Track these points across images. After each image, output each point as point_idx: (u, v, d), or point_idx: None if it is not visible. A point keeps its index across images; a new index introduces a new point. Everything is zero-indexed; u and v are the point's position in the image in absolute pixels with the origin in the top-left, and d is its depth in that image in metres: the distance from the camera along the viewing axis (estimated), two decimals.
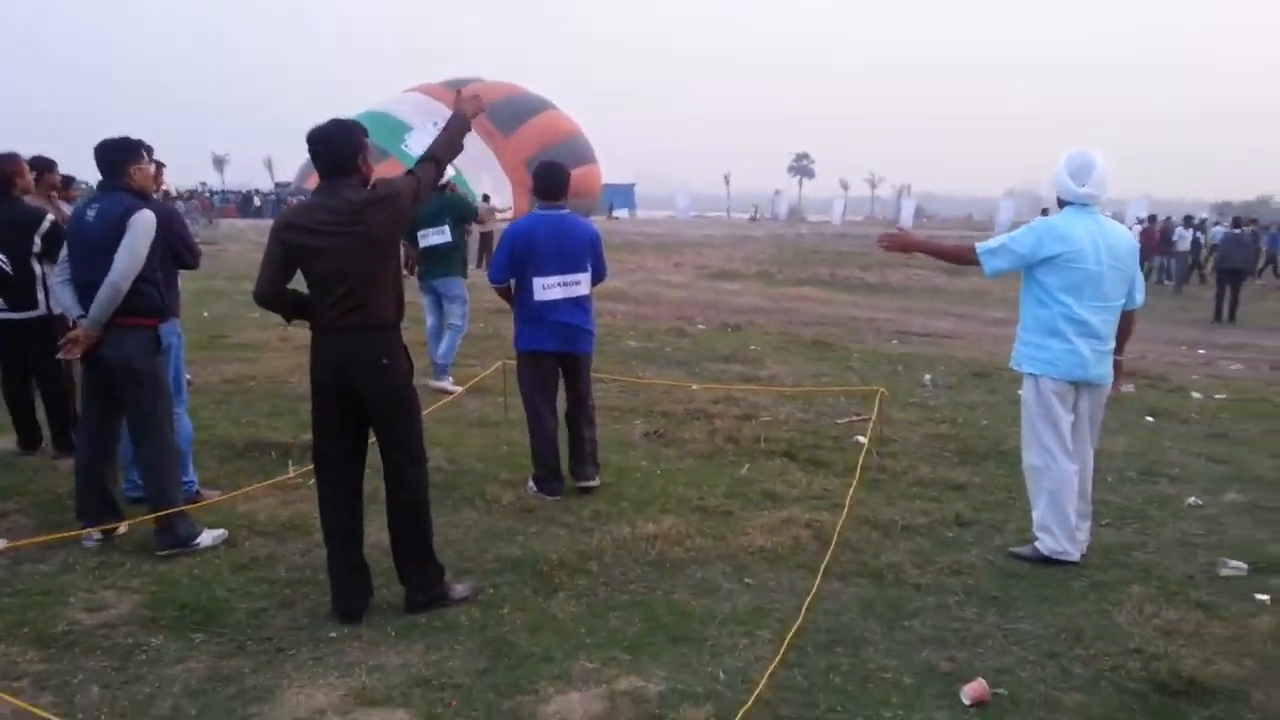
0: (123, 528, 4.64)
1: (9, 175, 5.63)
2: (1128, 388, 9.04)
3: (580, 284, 5.38)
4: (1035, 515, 4.55)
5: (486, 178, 40.26)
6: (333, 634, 3.69)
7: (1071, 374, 4.43)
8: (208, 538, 4.54)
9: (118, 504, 4.67)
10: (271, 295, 3.83)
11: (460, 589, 3.99)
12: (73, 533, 4.47)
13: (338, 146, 3.74)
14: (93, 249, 4.36)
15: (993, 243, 4.59)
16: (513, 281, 5.46)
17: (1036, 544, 4.51)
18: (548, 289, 5.30)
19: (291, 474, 5.53)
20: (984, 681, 3.25)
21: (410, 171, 3.90)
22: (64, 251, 4.57)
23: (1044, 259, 4.39)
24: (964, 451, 6.54)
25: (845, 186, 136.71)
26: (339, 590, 3.84)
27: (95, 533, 4.52)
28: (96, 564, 4.34)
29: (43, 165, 6.16)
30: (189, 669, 3.43)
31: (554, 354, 5.42)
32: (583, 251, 5.40)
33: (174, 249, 4.94)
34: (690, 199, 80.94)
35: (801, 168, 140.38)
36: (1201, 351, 13.10)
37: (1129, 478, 6.04)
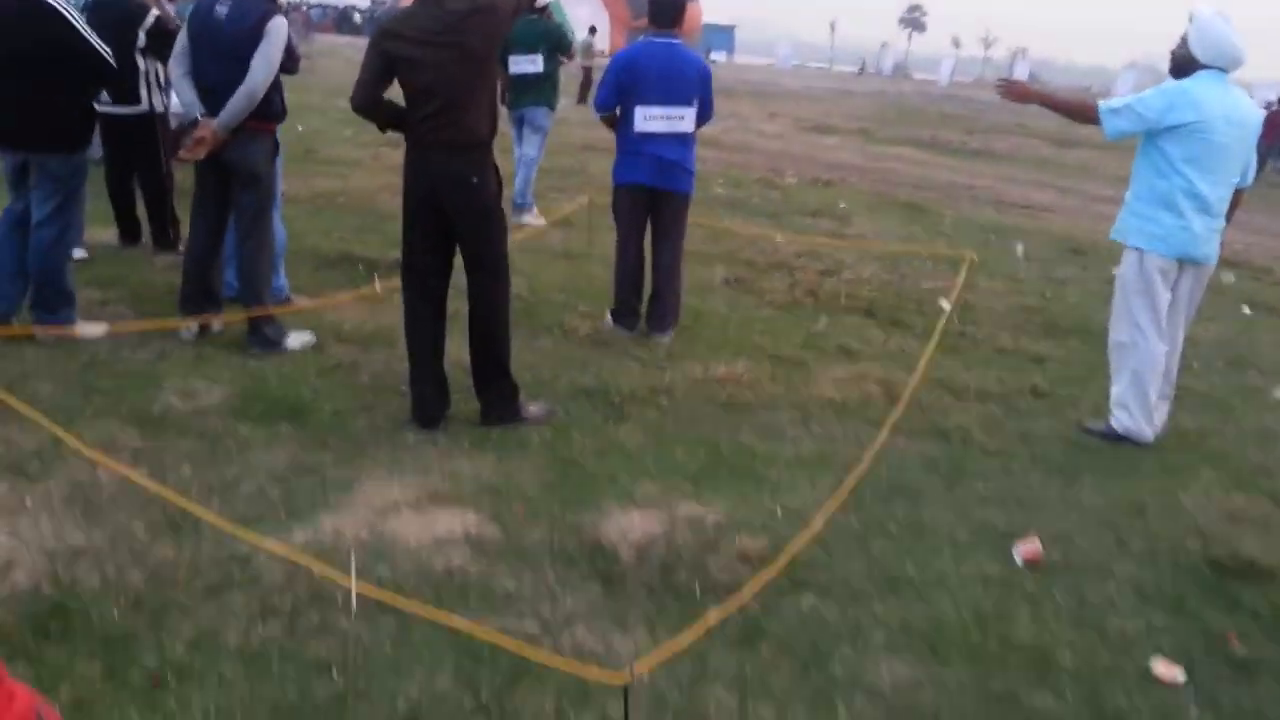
0: (218, 323, 4.84)
1: None
2: (1228, 277, 8.68)
3: (685, 119, 5.23)
4: (1114, 391, 4.44)
5: (585, 10, 39.08)
6: (410, 439, 3.86)
7: (1182, 250, 4.23)
8: (295, 341, 4.72)
9: (219, 299, 4.85)
10: (369, 104, 3.84)
11: (534, 409, 4.12)
12: (173, 322, 4.69)
13: None
14: (224, 51, 4.36)
15: (1116, 102, 4.30)
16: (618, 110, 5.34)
17: (1112, 420, 4.43)
18: (650, 119, 5.17)
19: (377, 287, 5.67)
20: (1038, 541, 3.29)
21: None
22: (182, 45, 4.53)
23: (1171, 126, 4.12)
24: (1049, 325, 6.40)
25: (957, 44, 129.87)
26: (419, 398, 4.00)
27: (193, 325, 4.73)
28: (191, 355, 4.56)
29: None
30: (274, 457, 3.64)
31: (649, 189, 5.31)
32: (690, 85, 5.23)
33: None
34: (793, 47, 77.81)
35: (913, 20, 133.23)
36: None
37: (1217, 366, 5.87)
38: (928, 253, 8.34)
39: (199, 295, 4.75)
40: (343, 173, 9.78)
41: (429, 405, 3.99)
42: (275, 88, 4.52)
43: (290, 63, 4.95)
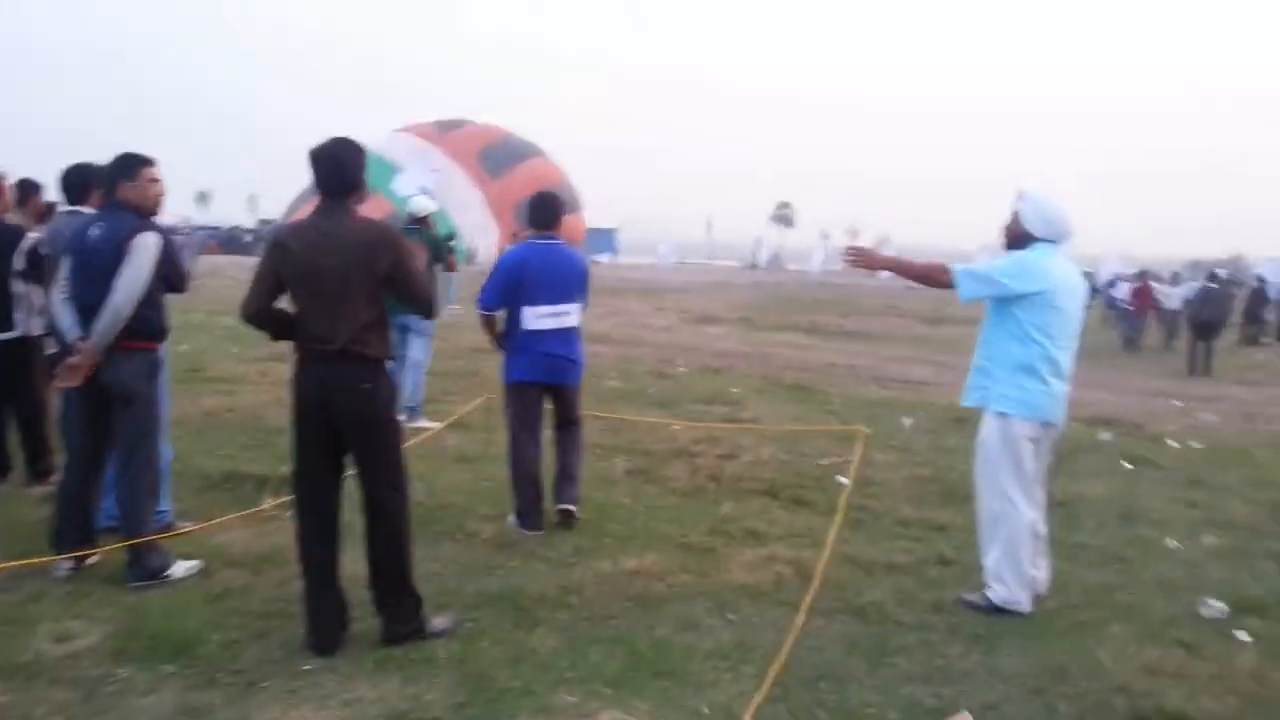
0: (95, 557, 4.52)
1: None
2: (1105, 435, 9.10)
3: (570, 314, 5.38)
4: (988, 563, 4.39)
5: (474, 219, 40.47)
6: (307, 666, 3.62)
7: (1046, 414, 4.34)
8: (180, 569, 4.45)
9: (94, 532, 4.56)
10: (258, 313, 3.80)
11: (439, 622, 3.93)
12: (44, 559, 4.37)
13: (343, 165, 3.75)
14: (96, 270, 4.28)
15: (974, 267, 4.45)
16: (500, 313, 5.44)
17: (988, 592, 4.35)
18: (539, 318, 5.28)
19: (268, 506, 5.45)
20: (969, 716, 3.22)
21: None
22: (64, 269, 4.46)
23: (1021, 294, 4.28)
24: (946, 494, 6.53)
25: (826, 236, 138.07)
26: (314, 621, 3.77)
27: (67, 561, 4.41)
28: (65, 593, 4.24)
29: (29, 188, 6.13)
30: (158, 701, 3.36)
31: (542, 385, 5.39)
32: (574, 282, 5.42)
33: (166, 273, 4.86)
34: (672, 245, 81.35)
35: (782, 216, 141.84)
36: (1177, 403, 13.20)
37: (1108, 521, 6.06)
38: (821, 430, 8.53)
39: (73, 529, 4.46)
40: (229, 389, 9.56)
41: (326, 628, 3.76)
42: (152, 305, 4.41)
43: (178, 281, 4.87)
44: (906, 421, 9.36)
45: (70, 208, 5.08)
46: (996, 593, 4.33)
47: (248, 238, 49.86)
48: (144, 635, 3.82)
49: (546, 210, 5.48)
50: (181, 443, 6.96)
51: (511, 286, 5.32)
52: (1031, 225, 4.43)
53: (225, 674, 3.55)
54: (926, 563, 5.00)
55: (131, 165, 4.49)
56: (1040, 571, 4.47)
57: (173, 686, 3.45)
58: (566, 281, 5.38)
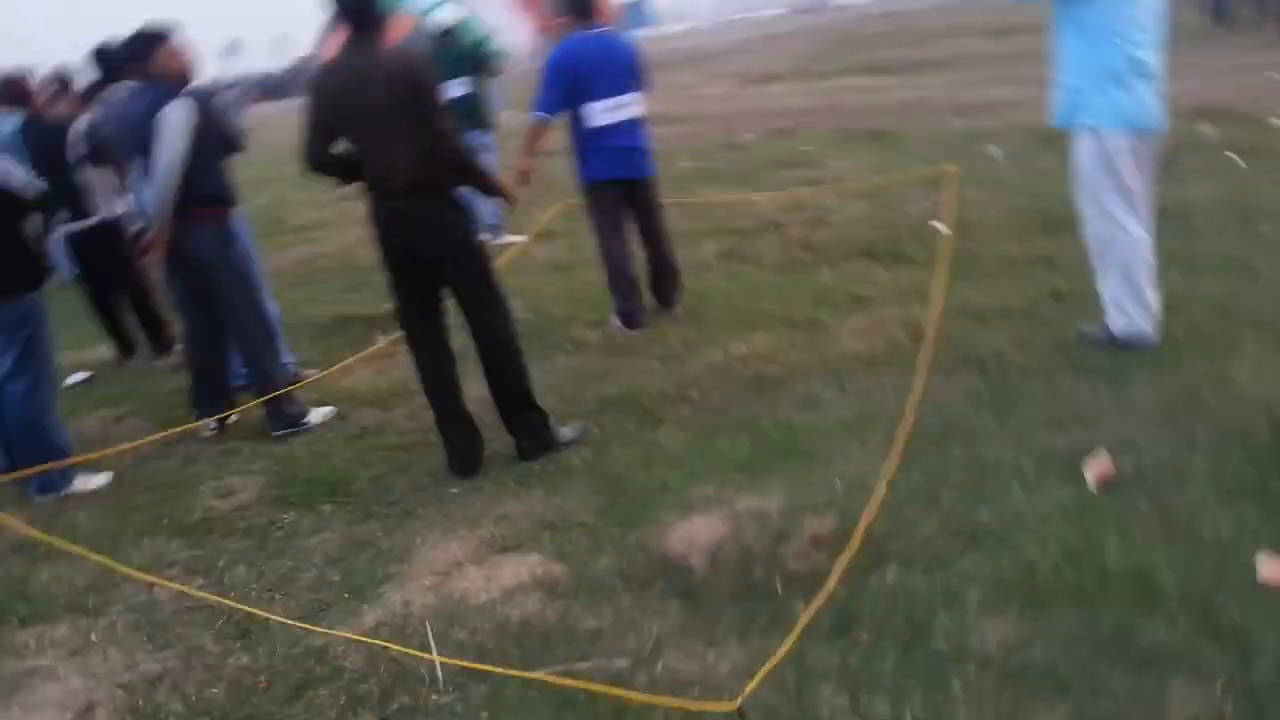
0: (234, 415, 4.76)
1: (20, 95, 5.58)
2: (1206, 128, 8.54)
3: (633, 104, 5.22)
4: (1104, 292, 4.17)
5: (499, 17, 39.06)
6: (454, 490, 3.81)
7: (1141, 121, 3.94)
8: (317, 415, 4.65)
9: (230, 390, 4.78)
10: (318, 160, 3.77)
11: (567, 431, 4.05)
12: (190, 425, 4.62)
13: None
14: (145, 146, 4.30)
15: None
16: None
17: (1109, 323, 4.16)
18: (604, 113, 5.12)
19: (382, 343, 5.60)
20: (1107, 456, 3.22)
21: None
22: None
23: None
24: (1048, 222, 6.23)
25: None
26: (452, 448, 3.93)
27: (211, 423, 4.65)
28: (217, 453, 4.51)
29: (63, 80, 6.06)
30: (325, 539, 3.59)
31: (620, 181, 5.29)
32: (632, 70, 5.23)
33: (216, 136, 4.72)
34: (711, 2, 76.98)
35: None
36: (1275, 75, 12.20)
37: (1225, 224, 5.75)
38: (907, 178, 8.25)
39: (209, 393, 4.70)
40: (314, 236, 9.68)
41: (464, 454, 3.93)
42: (209, 171, 4.41)
43: (232, 141, 4.79)
44: (994, 151, 8.97)
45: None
46: (1117, 323, 4.14)
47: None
48: (299, 481, 4.07)
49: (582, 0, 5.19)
50: (284, 294, 7.12)
51: (570, 85, 5.13)
52: None
53: (380, 506, 3.77)
54: (1039, 300, 4.88)
55: (147, 44, 4.39)
56: (1154, 302, 4.18)
57: (335, 524, 3.69)
58: (623, 70, 5.19)
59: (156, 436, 4.54)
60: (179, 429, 4.57)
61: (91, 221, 5.68)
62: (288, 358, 5.23)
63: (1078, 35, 3.99)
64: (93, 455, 4.32)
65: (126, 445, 4.49)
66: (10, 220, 4.13)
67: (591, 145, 5.20)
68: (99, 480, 4.32)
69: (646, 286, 5.52)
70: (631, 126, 5.22)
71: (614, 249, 5.37)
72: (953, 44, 23.03)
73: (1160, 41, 4.03)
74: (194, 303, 4.64)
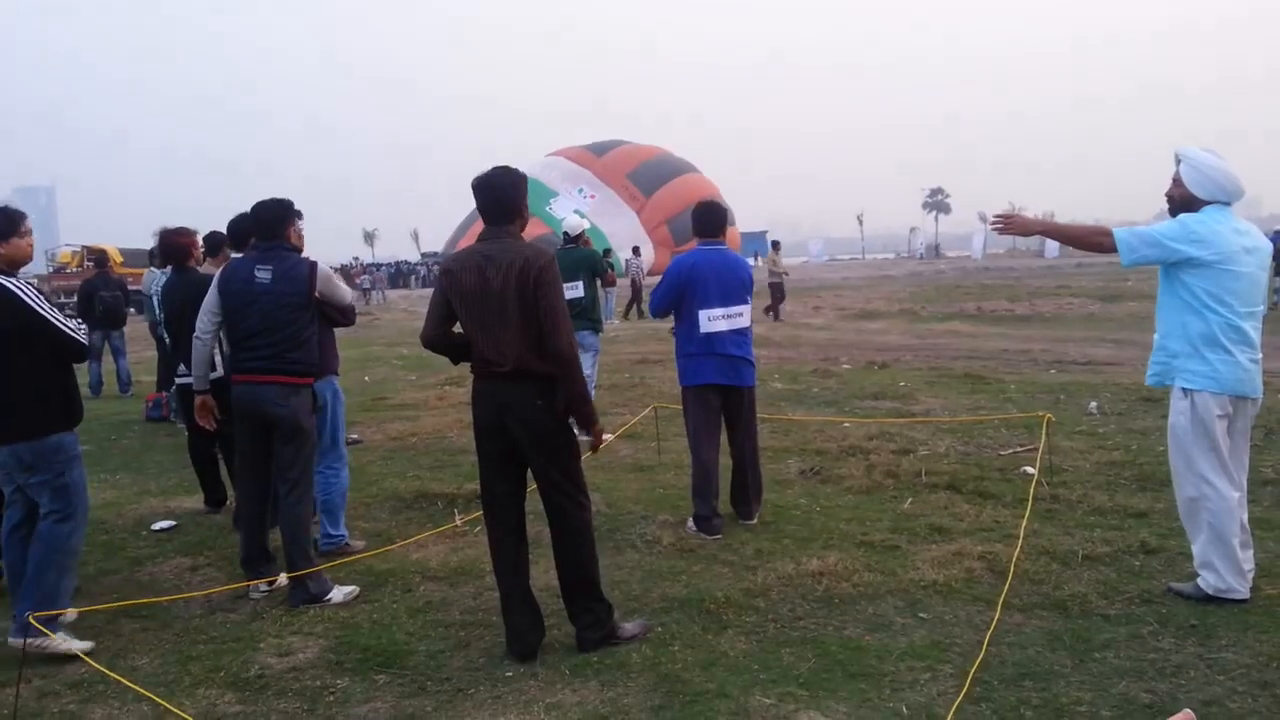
0: (282, 578, 4.77)
1: (185, 248, 6.06)
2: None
3: (743, 315, 5.53)
4: (1196, 550, 4.15)
5: (627, 235, 41.60)
6: (509, 673, 3.75)
7: (1235, 387, 4.04)
8: (339, 594, 4.63)
9: (273, 556, 4.83)
10: (436, 338, 3.97)
11: (630, 627, 4.01)
12: (242, 583, 4.72)
13: (504, 193, 3.87)
14: (272, 310, 4.56)
15: (1137, 229, 4.21)
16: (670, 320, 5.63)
17: (1199, 582, 4.12)
18: (713, 320, 5.44)
19: (459, 522, 5.70)
20: (1191, 713, 3.03)
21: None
22: (214, 312, 4.71)
23: (1190, 259, 4.03)
24: (1142, 478, 6.18)
25: (984, 219, 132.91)
26: (513, 630, 3.91)
27: (262, 584, 4.72)
28: (282, 611, 4.55)
29: (218, 239, 6.62)
30: (374, 709, 3.55)
31: (719, 388, 5.51)
32: (743, 285, 5.57)
33: (326, 311, 5.01)
34: (824, 243, 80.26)
35: (937, 203, 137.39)
36: None
37: None
38: (1001, 417, 8.22)
39: (258, 554, 4.76)
40: (412, 415, 10.05)
41: (524, 636, 3.90)
42: (311, 342, 4.66)
43: (343, 317, 5.10)
44: (1092, 405, 8.91)
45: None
46: (1208, 581, 4.09)
47: (421, 270, 51.43)
48: (357, 648, 4.07)
49: (711, 217, 5.65)
50: (373, 467, 7.40)
51: (681, 291, 5.49)
52: (1195, 186, 4.16)
53: (434, 682, 3.73)
54: (1128, 552, 4.74)
55: (292, 208, 4.79)
56: (1246, 564, 4.11)
57: (387, 695, 3.65)
58: (737, 284, 5.53)
59: (219, 589, 4.63)
60: (233, 585, 4.66)
61: (214, 375, 5.98)
62: (341, 530, 5.33)
63: (1178, 301, 4.15)
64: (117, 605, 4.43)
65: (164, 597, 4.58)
66: (56, 362, 4.24)
67: (698, 349, 5.49)
68: (81, 646, 4.09)
69: (729, 495, 5.57)
70: (739, 336, 5.51)
71: (703, 452, 5.50)
72: (1058, 303, 23.35)
73: (1260, 314, 4.16)
74: (258, 461, 4.71)
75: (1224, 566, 4.05)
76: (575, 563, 3.94)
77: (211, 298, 4.73)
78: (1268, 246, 4.26)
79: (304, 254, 4.81)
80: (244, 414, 4.67)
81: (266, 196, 4.86)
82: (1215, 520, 4.06)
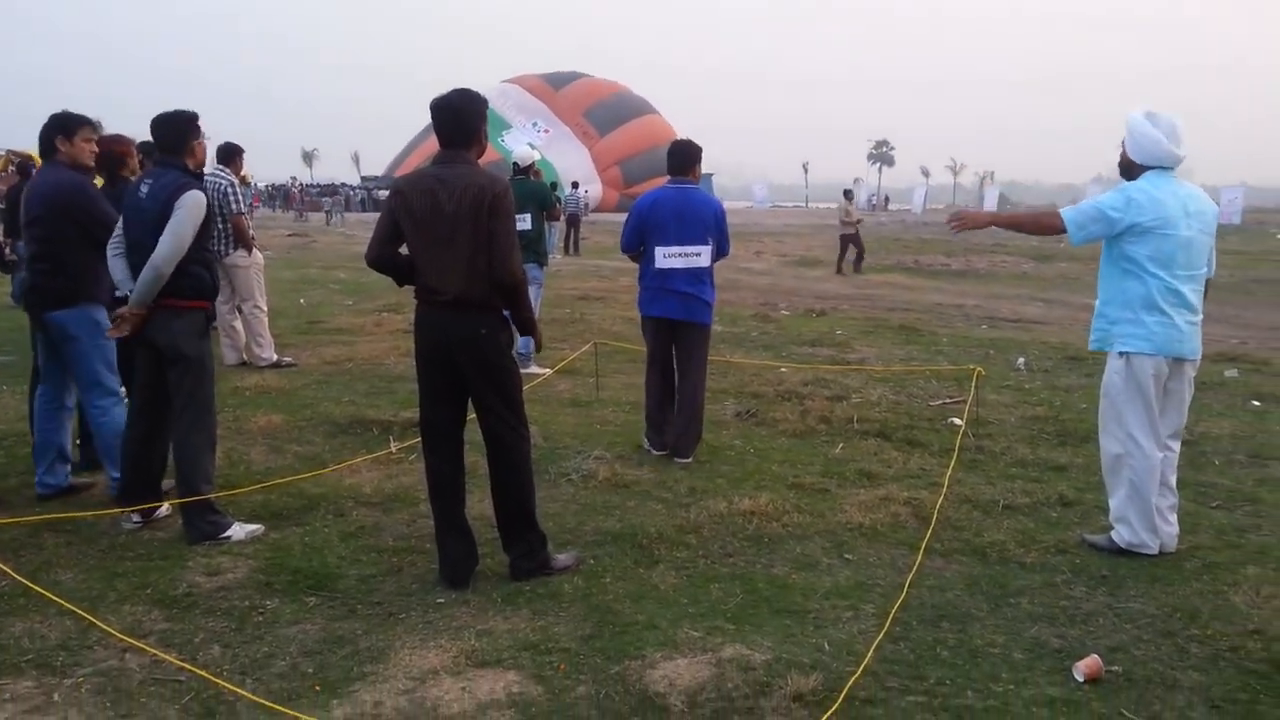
0: (165, 509, 4.63)
1: (119, 156, 5.80)
2: (1230, 372, 8.73)
3: (700, 255, 5.65)
4: (1112, 504, 4.31)
5: (579, 172, 41.21)
6: (440, 600, 3.78)
7: (1170, 348, 4.13)
8: (240, 532, 4.42)
9: (159, 485, 4.62)
10: (381, 259, 3.87)
11: (562, 558, 4.06)
12: (114, 511, 4.58)
13: (463, 116, 3.78)
14: (144, 227, 4.31)
15: (1080, 205, 4.29)
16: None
17: (1113, 535, 4.28)
18: (668, 257, 5.61)
19: (394, 449, 5.67)
20: (1098, 658, 3.19)
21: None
22: (120, 224, 4.48)
23: (1131, 226, 4.10)
24: (1064, 434, 6.40)
25: (926, 174, 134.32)
26: (446, 557, 3.93)
27: (135, 515, 4.54)
28: None
29: (148, 149, 6.37)
30: (304, 630, 3.55)
31: (670, 321, 5.71)
32: (704, 225, 5.67)
33: (93, 231, 4.71)
34: (768, 189, 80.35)
35: (881, 155, 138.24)
36: None
37: (1237, 460, 5.85)
38: (935, 370, 8.41)
39: (138, 483, 4.51)
40: (348, 340, 9.90)
41: (457, 564, 3.92)
42: (201, 263, 4.41)
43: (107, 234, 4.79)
44: (1019, 361, 9.14)
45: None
46: (1121, 535, 4.25)
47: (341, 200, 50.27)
48: (287, 570, 4.05)
49: (682, 156, 5.76)
50: (308, 390, 7.32)
51: (644, 227, 5.67)
52: (1133, 153, 4.24)
53: (365, 605, 3.74)
54: (1046, 504, 4.92)
55: (193, 122, 4.50)
56: (1166, 523, 4.26)
57: (317, 617, 3.65)
58: (697, 224, 5.63)
59: (84, 514, 4.54)
60: (100, 513, 4.55)
61: None
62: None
63: (1118, 269, 4.23)
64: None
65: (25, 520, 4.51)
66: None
67: (653, 283, 5.68)
68: None
69: (672, 427, 5.81)
70: (692, 275, 5.64)
71: (652, 373, 5.87)
72: (993, 260, 23.76)
73: (1200, 277, 4.23)
74: (146, 388, 4.48)
75: (1139, 522, 4.20)
76: (512, 493, 3.96)
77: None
78: (1214, 210, 4.30)
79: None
80: (136, 338, 4.41)
81: (188, 107, 4.56)
82: (1136, 478, 4.20)
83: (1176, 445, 4.38)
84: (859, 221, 21.36)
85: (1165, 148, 4.16)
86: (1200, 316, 4.26)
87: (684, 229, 5.59)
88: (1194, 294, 4.21)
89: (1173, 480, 4.34)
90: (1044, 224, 4.46)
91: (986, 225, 4.77)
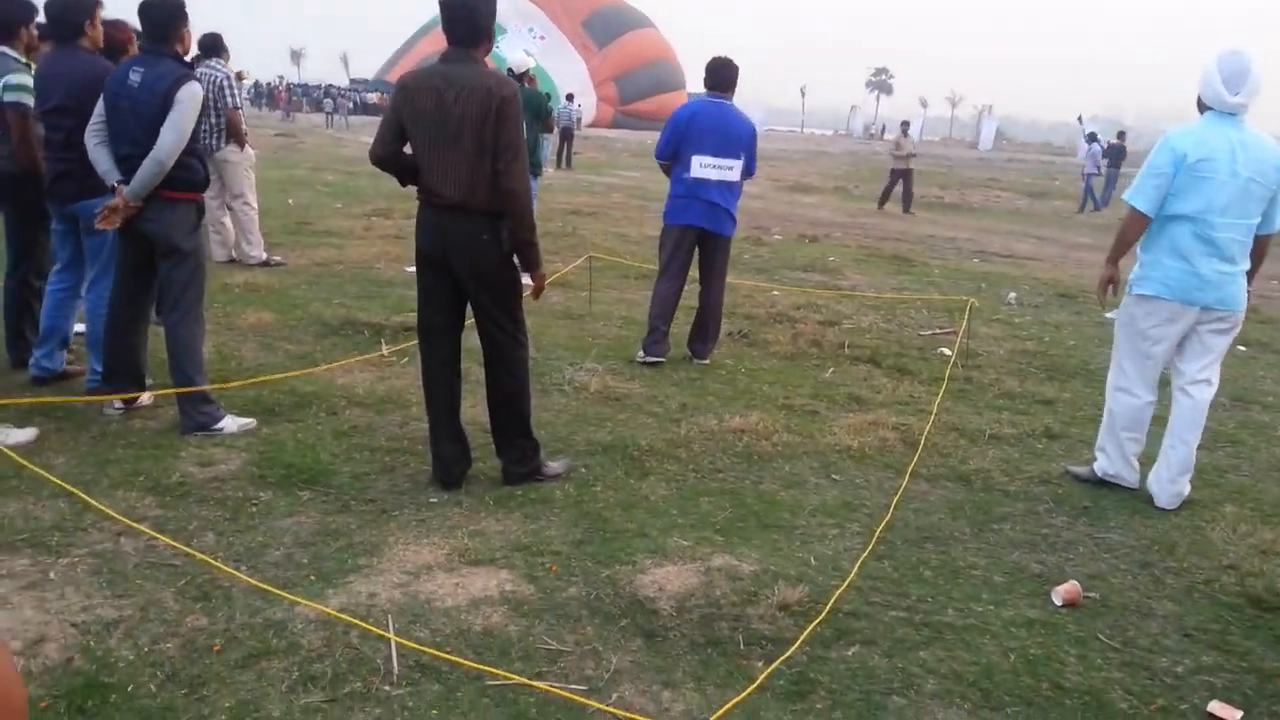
0: (145, 398, 4.63)
1: (121, 44, 5.66)
2: None
3: (733, 169, 5.79)
4: (1100, 431, 4.40)
5: (575, 84, 40.47)
6: (433, 499, 3.82)
7: (1185, 296, 3.97)
8: (232, 425, 4.44)
9: (142, 374, 4.63)
10: (385, 157, 3.79)
11: (555, 465, 4.09)
12: (99, 397, 4.57)
13: (476, 12, 3.65)
14: (138, 118, 4.17)
15: (1136, 180, 4.06)
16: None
17: (1095, 465, 4.38)
18: (704, 167, 5.73)
19: (386, 352, 5.66)
20: (1076, 584, 3.27)
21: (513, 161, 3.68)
22: (98, 113, 4.30)
23: (1178, 167, 3.91)
24: (1051, 368, 6.46)
25: (924, 105, 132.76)
26: (440, 458, 3.96)
27: (117, 402, 4.53)
28: None
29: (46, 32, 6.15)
30: (298, 522, 3.58)
31: (699, 229, 5.84)
32: (740, 141, 5.80)
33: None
34: (764, 112, 79.23)
35: (880, 83, 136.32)
36: None
37: (1221, 403, 5.91)
38: (926, 300, 8.43)
39: (121, 369, 4.50)
40: (338, 243, 9.80)
41: (450, 465, 3.95)
42: (194, 155, 4.34)
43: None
44: (1010, 295, 9.18)
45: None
46: (1098, 464, 4.35)
47: (329, 106, 49.19)
48: (280, 464, 4.07)
49: (725, 72, 5.84)
50: (297, 290, 7.27)
51: (681, 136, 5.76)
52: (1200, 91, 4.02)
53: (358, 502, 3.78)
54: (1031, 435, 5.00)
55: (183, 9, 4.31)
56: (1176, 485, 4.11)
57: (311, 510, 3.69)
58: (732, 138, 5.75)
59: (72, 399, 4.55)
60: (88, 398, 4.56)
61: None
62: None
63: (1164, 211, 4.02)
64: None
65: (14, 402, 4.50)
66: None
67: (685, 192, 5.79)
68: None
69: (689, 334, 6.07)
70: (724, 187, 5.78)
71: (662, 285, 5.94)
72: (986, 194, 23.67)
73: (1246, 225, 3.96)
74: (131, 278, 4.43)
75: (1114, 454, 4.30)
76: (508, 399, 3.96)
77: (98, 105, 4.34)
78: (1276, 159, 3.93)
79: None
80: (124, 229, 4.33)
81: None
82: (1118, 412, 4.27)
83: (1199, 393, 4.15)
84: (911, 155, 19.26)
85: (1216, 90, 3.91)
86: (1240, 268, 4.00)
87: (720, 142, 5.72)
88: (1235, 244, 3.95)
89: (1190, 438, 4.12)
90: (1129, 226, 4.14)
91: (1114, 271, 4.34)
